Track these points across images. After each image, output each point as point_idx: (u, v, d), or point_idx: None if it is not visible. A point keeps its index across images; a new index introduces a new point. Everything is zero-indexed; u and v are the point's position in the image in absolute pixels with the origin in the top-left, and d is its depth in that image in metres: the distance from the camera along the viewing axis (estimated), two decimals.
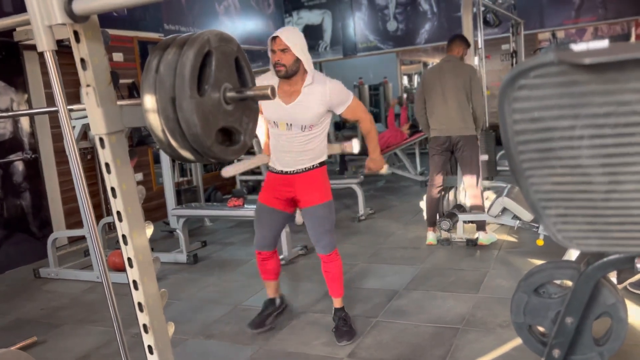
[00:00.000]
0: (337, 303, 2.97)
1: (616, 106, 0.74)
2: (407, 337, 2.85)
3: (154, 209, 6.16)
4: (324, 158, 2.83)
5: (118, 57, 6.04)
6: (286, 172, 2.80)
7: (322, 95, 2.65)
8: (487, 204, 4.49)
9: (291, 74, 2.62)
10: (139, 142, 5.84)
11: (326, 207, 2.79)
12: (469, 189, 4.45)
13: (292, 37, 2.58)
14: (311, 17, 10.11)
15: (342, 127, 11.60)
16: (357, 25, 9.94)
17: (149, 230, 1.27)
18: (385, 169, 2.96)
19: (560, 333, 1.71)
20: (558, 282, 1.83)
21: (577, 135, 0.79)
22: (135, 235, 1.21)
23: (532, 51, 8.54)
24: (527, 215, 3.99)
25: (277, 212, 2.88)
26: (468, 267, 3.90)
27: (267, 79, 2.69)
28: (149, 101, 1.07)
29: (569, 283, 1.74)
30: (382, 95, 11.53)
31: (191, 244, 4.89)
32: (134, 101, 1.22)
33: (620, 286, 3.08)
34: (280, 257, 4.14)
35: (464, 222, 4.42)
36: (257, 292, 3.70)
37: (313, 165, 2.78)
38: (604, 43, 0.73)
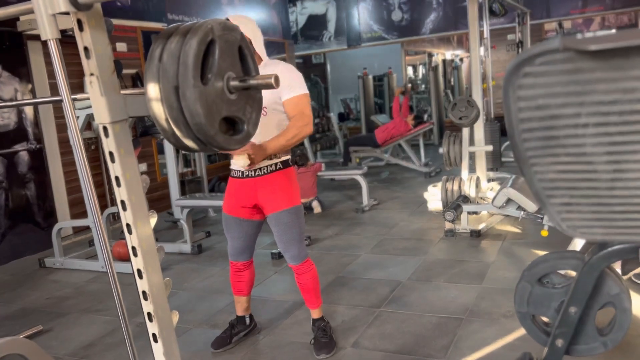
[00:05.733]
0: (315, 314, 2.78)
1: (622, 94, 0.74)
2: (410, 328, 2.86)
3: (158, 200, 6.17)
4: (285, 157, 2.58)
5: (121, 47, 6.03)
6: (247, 175, 2.57)
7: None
8: (491, 195, 4.48)
9: None
10: (143, 132, 5.85)
11: (292, 213, 2.56)
12: None
13: (239, 18, 2.43)
14: (315, 7, 10.06)
15: (345, 119, 11.58)
16: (362, 15, 9.89)
17: (153, 219, 1.27)
18: (240, 162, 2.43)
19: (564, 323, 1.71)
20: (562, 272, 1.83)
21: (582, 123, 0.78)
22: (140, 224, 1.21)
23: (538, 41, 8.49)
24: (531, 206, 3.99)
25: (244, 221, 2.65)
26: (472, 258, 3.91)
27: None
28: (153, 90, 1.06)
29: (573, 273, 1.73)
30: (387, 86, 11.49)
31: (195, 234, 4.91)
32: (138, 90, 1.22)
33: (625, 277, 3.08)
34: None
35: (468, 212, 4.42)
36: (261, 282, 3.72)
37: (275, 166, 2.55)
38: (610, 33, 0.73)
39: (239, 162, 2.44)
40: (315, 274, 2.71)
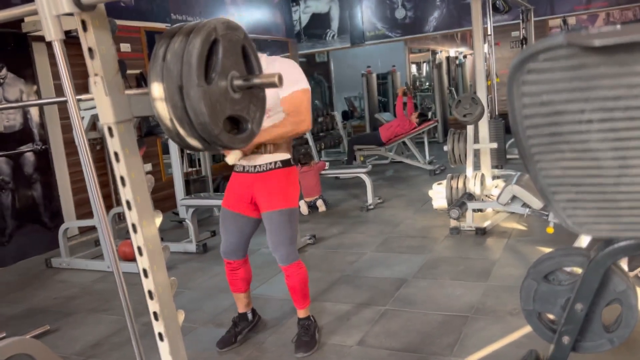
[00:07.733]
0: (301, 313, 2.78)
1: (626, 89, 0.73)
2: (416, 326, 2.86)
3: (163, 199, 6.19)
4: (286, 156, 2.55)
5: (125, 47, 6.05)
6: (247, 170, 2.55)
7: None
8: (496, 193, 4.47)
9: None
10: (148, 132, 5.87)
11: (285, 214, 2.52)
12: None
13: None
14: (318, 5, 10.05)
15: (349, 117, 11.56)
16: (365, 13, 9.87)
17: (158, 219, 1.27)
18: (231, 158, 2.47)
19: (570, 320, 1.70)
20: (568, 269, 1.82)
21: (586, 119, 0.78)
22: (145, 223, 1.22)
23: (542, 38, 8.45)
24: (536, 203, 3.98)
25: (242, 217, 2.63)
26: (477, 255, 3.90)
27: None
28: (157, 89, 1.07)
29: (579, 270, 1.73)
30: (391, 84, 11.48)
31: (200, 233, 4.92)
32: (142, 90, 1.22)
33: (631, 274, 3.06)
34: None
35: (473, 210, 4.41)
36: (266, 281, 3.72)
37: (275, 164, 2.52)
38: (614, 28, 0.72)
39: (231, 158, 2.46)
40: (304, 277, 2.68)
